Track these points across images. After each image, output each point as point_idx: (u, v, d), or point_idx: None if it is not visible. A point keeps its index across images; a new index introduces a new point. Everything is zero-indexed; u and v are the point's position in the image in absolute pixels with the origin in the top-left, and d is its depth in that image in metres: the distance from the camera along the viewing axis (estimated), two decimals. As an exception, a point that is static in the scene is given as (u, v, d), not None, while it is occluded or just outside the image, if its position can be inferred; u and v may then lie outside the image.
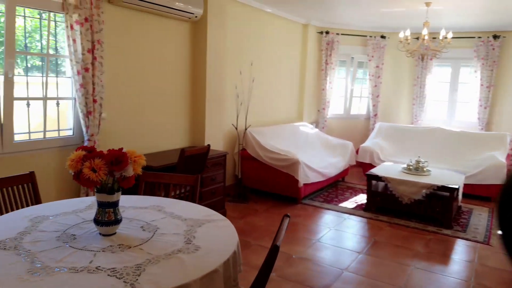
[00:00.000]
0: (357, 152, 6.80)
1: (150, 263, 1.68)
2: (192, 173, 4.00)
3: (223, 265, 1.73)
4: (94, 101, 3.42)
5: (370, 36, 7.57)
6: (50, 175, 3.34)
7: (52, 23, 3.32)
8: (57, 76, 3.45)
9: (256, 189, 5.72)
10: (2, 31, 2.93)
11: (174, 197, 2.80)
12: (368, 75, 7.80)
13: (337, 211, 5.19)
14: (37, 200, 2.53)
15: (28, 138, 3.26)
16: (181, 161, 3.70)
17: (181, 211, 2.36)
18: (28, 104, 3.23)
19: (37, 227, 1.98)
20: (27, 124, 3.25)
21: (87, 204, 2.37)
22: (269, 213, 4.99)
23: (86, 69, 3.31)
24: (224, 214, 4.73)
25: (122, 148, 1.88)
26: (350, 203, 5.52)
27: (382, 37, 7.55)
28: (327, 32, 7.37)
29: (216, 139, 5.02)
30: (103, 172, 1.76)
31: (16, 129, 3.10)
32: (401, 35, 5.51)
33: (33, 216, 2.12)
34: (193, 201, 2.72)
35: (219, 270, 1.69)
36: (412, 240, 4.30)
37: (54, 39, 3.38)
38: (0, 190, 2.37)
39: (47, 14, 3.26)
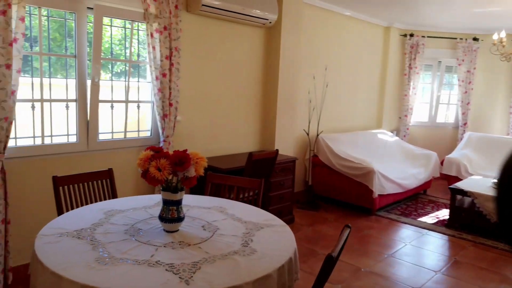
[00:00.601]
0: (441, 163, 6.31)
1: (206, 262, 1.71)
2: (259, 177, 4.01)
3: (277, 270, 1.70)
4: (170, 104, 3.61)
5: (461, 39, 7.01)
6: (128, 172, 3.60)
7: (136, 32, 3.59)
8: (138, 81, 3.71)
9: (327, 197, 5.58)
10: (89, 39, 3.24)
11: (239, 199, 2.84)
12: (457, 80, 7.21)
13: (415, 225, 4.85)
14: (113, 195, 2.74)
15: (110, 138, 3.55)
16: (249, 164, 3.74)
17: (243, 213, 2.38)
18: (112, 106, 3.51)
19: (109, 220, 2.13)
20: (110, 125, 3.54)
21: (156, 201, 2.50)
22: (339, 223, 4.84)
23: (164, 75, 3.51)
24: (291, 220, 4.69)
25: (186, 150, 1.95)
26: (430, 218, 5.13)
27: (475, 39, 6.94)
28: (411, 35, 6.98)
29: (286, 144, 5.00)
30: (167, 172, 1.84)
31: (100, 129, 3.40)
32: (495, 37, 5.01)
33: (107, 209, 2.29)
34: (256, 205, 2.73)
35: (272, 275, 1.67)
36: (500, 263, 3.86)
37: (136, 46, 3.64)
38: (82, 184, 2.60)
39: (130, 23, 3.53)
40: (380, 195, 5.12)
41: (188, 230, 2.07)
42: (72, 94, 3.23)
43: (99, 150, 3.39)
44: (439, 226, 4.83)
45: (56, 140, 3.21)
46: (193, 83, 4.04)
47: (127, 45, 3.59)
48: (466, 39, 6.97)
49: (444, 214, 5.28)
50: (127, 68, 3.63)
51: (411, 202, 5.80)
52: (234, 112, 4.56)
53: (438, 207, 5.65)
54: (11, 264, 2.87)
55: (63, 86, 3.21)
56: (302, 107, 5.36)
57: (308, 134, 5.32)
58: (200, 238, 1.97)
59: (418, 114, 7.49)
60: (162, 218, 2.00)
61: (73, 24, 3.14)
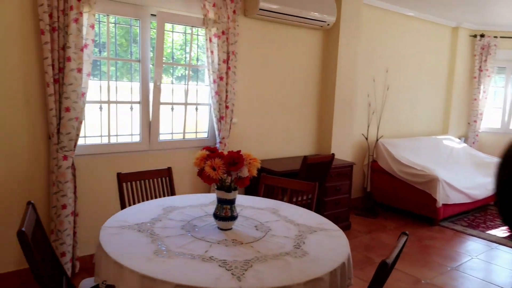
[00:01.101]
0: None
1: (258, 260, 1.72)
2: (313, 181, 3.97)
3: (329, 274, 1.66)
4: (227, 107, 3.69)
5: (538, 38, 6.45)
6: (186, 171, 3.72)
7: (196, 37, 3.72)
8: (197, 84, 3.84)
9: (386, 204, 5.37)
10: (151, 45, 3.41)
11: (292, 202, 2.82)
12: (535, 84, 6.63)
13: (484, 238, 4.51)
14: (172, 192, 2.84)
15: (170, 138, 3.70)
16: (303, 168, 3.71)
17: (295, 216, 2.36)
18: (172, 109, 3.66)
19: (168, 216, 2.21)
20: (170, 126, 3.69)
21: (211, 200, 2.56)
22: (399, 231, 4.62)
23: (221, 78, 3.60)
24: (348, 227, 4.57)
25: (240, 151, 1.98)
26: (501, 232, 4.75)
27: (554, 38, 6.35)
28: (482, 35, 6.55)
29: (343, 149, 4.89)
30: (221, 171, 1.88)
31: (161, 129, 3.56)
32: None
33: (166, 206, 2.38)
34: (310, 208, 2.70)
35: (324, 278, 1.63)
36: None
37: (196, 51, 3.77)
38: (143, 180, 2.73)
39: (190, 29, 3.67)
40: (444, 205, 4.84)
41: (241, 229, 2.10)
42: (136, 97, 3.41)
43: (160, 150, 3.55)
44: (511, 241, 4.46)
45: (121, 140, 3.41)
46: (249, 86, 4.10)
47: (187, 50, 3.73)
48: (544, 38, 6.40)
49: (517, 227, 4.85)
50: (187, 72, 3.77)
51: (479, 214, 5.42)
52: (290, 115, 4.55)
53: (510, 219, 5.20)
54: (78, 254, 3.10)
55: (128, 89, 3.41)
56: (361, 110, 5.22)
57: (367, 139, 5.17)
58: (252, 238, 1.99)
59: (490, 120, 6.98)
60: (216, 216, 2.04)
61: (138, 31, 3.32)
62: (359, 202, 5.48)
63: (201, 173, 1.95)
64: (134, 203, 2.66)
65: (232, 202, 2.04)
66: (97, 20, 3.11)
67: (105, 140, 3.31)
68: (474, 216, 5.30)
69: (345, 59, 4.68)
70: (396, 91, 5.63)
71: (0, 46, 2.65)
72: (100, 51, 3.24)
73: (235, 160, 1.89)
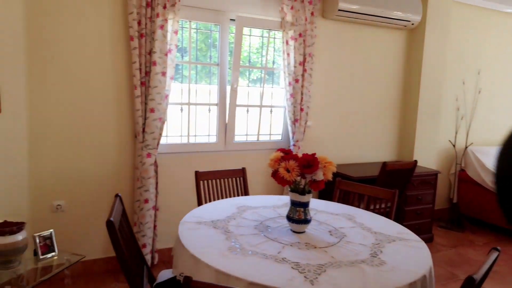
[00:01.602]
0: None
1: (332, 266, 1.67)
2: (393, 189, 3.76)
3: (409, 286, 1.55)
4: (301, 109, 3.66)
5: None
6: (259, 172, 3.76)
7: (272, 40, 3.75)
8: (272, 87, 3.86)
9: (475, 218, 4.92)
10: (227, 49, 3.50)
11: (369, 210, 2.70)
12: None
13: None
14: (245, 192, 2.88)
15: (245, 140, 3.76)
16: (382, 174, 3.54)
17: (372, 223, 2.26)
18: (247, 111, 3.73)
19: (241, 215, 2.24)
20: (245, 127, 3.76)
21: (284, 202, 2.55)
22: (488, 247, 4.21)
23: (296, 80, 3.58)
24: (430, 239, 4.27)
25: (314, 154, 1.94)
26: None
27: None
28: None
29: (426, 156, 4.59)
30: (295, 173, 1.86)
31: (236, 131, 3.64)
32: None
33: (240, 205, 2.42)
34: (388, 217, 2.56)
35: (403, 290, 1.53)
36: None
37: (272, 54, 3.80)
38: (219, 179, 2.80)
39: (267, 32, 3.70)
40: (544, 221, 4.30)
41: (314, 233, 2.05)
42: (214, 99, 3.53)
43: (234, 151, 3.63)
44: None
45: (199, 140, 3.55)
46: (325, 89, 4.02)
47: (263, 53, 3.78)
48: None
49: None
50: (262, 75, 3.82)
51: None
52: (368, 118, 4.38)
53: None
54: (157, 246, 3.27)
55: (207, 91, 3.54)
56: (448, 115, 4.86)
57: (454, 146, 4.79)
58: (326, 242, 1.93)
59: None
60: (289, 218, 2.02)
61: (217, 35, 3.44)
62: (444, 214, 5.09)
63: (275, 174, 1.94)
64: (209, 201, 2.74)
65: (305, 205, 2.00)
66: (180, 26, 3.28)
67: (184, 140, 3.47)
68: None
69: (431, 60, 4.39)
70: (489, 94, 5.15)
71: (96, 52, 2.92)
72: (182, 56, 3.41)
73: (309, 162, 1.85)
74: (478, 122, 5.06)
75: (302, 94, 3.64)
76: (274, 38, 3.77)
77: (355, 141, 4.34)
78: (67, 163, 2.94)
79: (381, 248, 1.90)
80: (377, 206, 3.04)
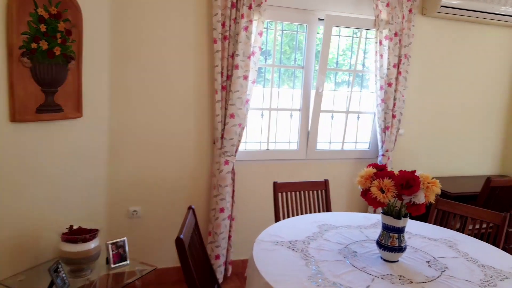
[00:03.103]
0: None
1: (433, 310, 1.40)
2: (497, 208, 3.28)
3: None
4: (393, 116, 3.32)
5: None
6: (343, 184, 3.49)
7: (362, 40, 3.45)
8: (361, 91, 3.57)
9: None
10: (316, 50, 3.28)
11: (472, 233, 2.32)
12: None
13: None
14: (327, 207, 2.66)
15: (328, 148, 3.52)
16: (485, 191, 3.08)
17: (479, 253, 1.91)
18: (332, 116, 3.48)
19: (323, 235, 2.03)
20: (328, 135, 3.51)
21: (372, 222, 2.28)
22: None
23: (389, 84, 3.25)
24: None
25: (415, 171, 1.67)
26: None
27: None
28: None
29: (540, 172, 3.95)
30: (391, 194, 1.60)
31: (318, 138, 3.41)
32: None
33: (321, 223, 2.21)
34: (496, 244, 2.17)
35: None
36: None
37: (362, 55, 3.50)
38: (299, 192, 2.61)
39: (358, 32, 3.42)
40: None
41: (410, 263, 1.77)
42: (297, 104, 3.34)
43: (316, 159, 3.41)
44: None
45: (279, 147, 3.39)
46: (421, 93, 3.62)
47: (352, 55, 3.50)
48: None
49: None
50: (349, 78, 3.54)
51: None
52: (468, 127, 3.87)
53: None
54: (231, 258, 3.16)
55: (289, 96, 3.36)
56: None
57: None
58: (424, 276, 1.65)
59: None
60: (380, 244, 1.77)
61: (303, 36, 3.24)
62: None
63: (365, 193, 1.70)
64: (288, 215, 2.56)
65: (401, 230, 1.74)
66: (265, 27, 3.15)
67: (264, 147, 3.33)
68: None
69: (549, 61, 3.76)
70: None
71: (178, 56, 2.89)
72: (265, 59, 3.27)
73: (409, 182, 1.59)
74: None
75: (395, 99, 3.29)
76: (366, 38, 3.47)
77: (452, 151, 3.86)
78: (145, 168, 2.94)
79: (492, 287, 1.58)
80: (483, 227, 2.63)
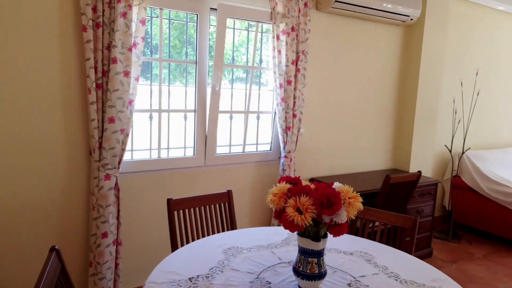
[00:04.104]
0: None
1: None
2: (395, 203, 3.35)
3: None
4: (294, 115, 3.14)
5: None
6: (246, 190, 3.22)
7: (260, 35, 3.20)
8: (259, 89, 3.32)
9: (470, 226, 4.60)
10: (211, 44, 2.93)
11: (382, 239, 2.22)
12: None
13: None
14: (232, 222, 2.33)
15: (228, 152, 3.20)
16: (385, 189, 3.09)
17: (397, 265, 1.77)
18: (231, 117, 3.17)
19: (230, 263, 1.70)
20: (228, 138, 3.20)
21: (283, 237, 2.02)
22: (490, 261, 3.87)
23: (289, 82, 3.05)
24: (429, 254, 3.89)
25: (332, 183, 1.42)
26: None
27: None
28: None
29: (423, 162, 4.19)
30: (309, 215, 1.33)
31: (218, 141, 3.07)
32: None
33: (227, 246, 1.87)
34: (408, 250, 2.09)
35: None
36: None
37: (259, 51, 3.26)
38: (198, 208, 2.24)
39: (254, 26, 3.15)
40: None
41: (330, 289, 1.54)
42: (191, 104, 2.95)
43: (217, 166, 3.06)
44: None
45: (173, 154, 2.96)
46: (317, 91, 3.52)
47: (249, 50, 3.22)
48: None
49: None
50: (246, 75, 3.27)
51: None
52: (364, 124, 3.92)
53: None
54: (121, 289, 2.66)
55: (182, 95, 2.95)
56: (445, 118, 4.49)
57: (450, 151, 4.41)
58: (348, 305, 1.43)
59: None
60: (298, 272, 1.50)
61: (195, 28, 2.86)
62: (437, 222, 4.74)
63: (280, 215, 1.41)
64: (187, 238, 2.16)
65: (320, 254, 1.48)
66: (149, 15, 2.69)
67: (154, 155, 2.87)
68: None
69: (429, 60, 3.98)
70: (484, 96, 4.83)
71: (38, 47, 2.27)
72: (151, 52, 2.81)
73: (330, 199, 1.33)
74: (475, 125, 4.73)
75: (295, 97, 3.11)
76: (262, 32, 3.22)
77: (350, 149, 3.87)
78: None
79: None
80: (392, 236, 2.57)
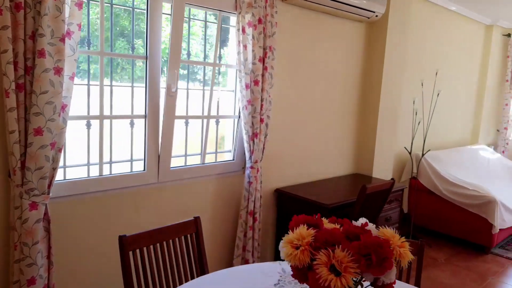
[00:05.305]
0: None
1: None
2: (369, 211, 3.11)
3: None
4: (261, 120, 2.73)
5: None
6: (207, 209, 2.75)
7: (223, 28, 2.74)
8: (220, 90, 2.86)
9: (428, 229, 4.58)
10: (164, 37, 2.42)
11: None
12: None
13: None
14: (201, 260, 1.86)
15: (183, 165, 2.70)
16: (361, 199, 2.82)
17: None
18: (186, 123, 2.67)
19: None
20: (183, 147, 2.71)
21: (274, 280, 1.60)
22: (453, 265, 3.84)
23: (256, 82, 2.64)
24: (398, 264, 3.73)
25: (366, 224, 1.04)
26: None
27: None
28: (514, 35, 5.92)
29: (385, 167, 4.04)
30: (350, 275, 0.93)
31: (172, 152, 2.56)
32: None
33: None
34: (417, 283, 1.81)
35: None
36: None
37: (221, 46, 2.80)
38: (159, 244, 1.74)
39: (216, 16, 2.69)
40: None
41: None
42: (140, 108, 2.42)
43: (172, 181, 2.55)
44: None
45: (117, 169, 2.40)
46: (281, 92, 3.13)
47: (207, 44, 2.75)
48: None
49: None
50: (203, 73, 2.80)
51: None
52: (325, 127, 3.61)
53: None
54: None
55: (128, 98, 2.41)
56: (406, 120, 4.39)
57: (410, 153, 4.30)
58: None
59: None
60: None
61: (145, 16, 2.33)
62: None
63: (305, 274, 0.99)
64: (146, 284, 1.67)
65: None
66: (85, -4, 2.12)
67: (94, 172, 2.28)
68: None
69: (392, 59, 3.81)
70: (446, 96, 4.92)
71: None
72: (89, 44, 2.23)
73: (378, 252, 0.94)
74: (433, 125, 4.71)
75: (262, 100, 2.69)
76: (229, 26, 2.76)
77: (313, 155, 3.54)
78: None
79: None
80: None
